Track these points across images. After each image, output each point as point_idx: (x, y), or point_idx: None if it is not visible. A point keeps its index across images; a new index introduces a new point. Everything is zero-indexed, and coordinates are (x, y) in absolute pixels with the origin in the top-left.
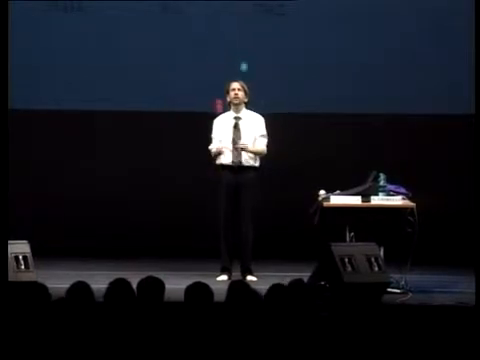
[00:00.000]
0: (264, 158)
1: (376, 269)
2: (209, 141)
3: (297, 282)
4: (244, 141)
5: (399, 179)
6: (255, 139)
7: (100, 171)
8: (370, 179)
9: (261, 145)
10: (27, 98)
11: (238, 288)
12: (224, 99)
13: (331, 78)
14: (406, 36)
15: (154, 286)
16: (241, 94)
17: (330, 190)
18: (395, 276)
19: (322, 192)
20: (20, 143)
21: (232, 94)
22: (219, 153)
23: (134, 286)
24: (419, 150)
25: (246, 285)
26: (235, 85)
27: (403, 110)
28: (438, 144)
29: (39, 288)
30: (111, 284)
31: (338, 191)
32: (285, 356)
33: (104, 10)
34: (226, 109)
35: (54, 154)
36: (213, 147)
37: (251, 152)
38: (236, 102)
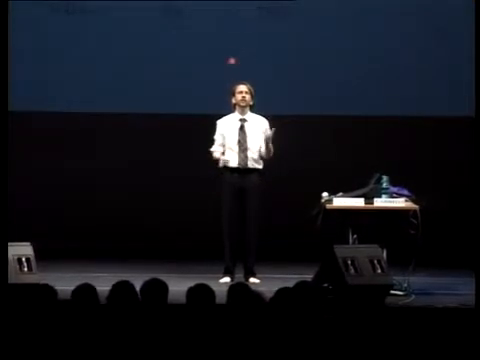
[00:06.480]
0: (266, 160)
1: (379, 271)
2: (211, 142)
3: (302, 284)
4: (251, 143)
5: (402, 181)
6: (263, 141)
7: (101, 172)
8: (373, 181)
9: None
10: (27, 99)
11: (238, 291)
12: (229, 101)
13: (331, 79)
14: (406, 37)
15: (157, 288)
16: (248, 97)
17: (333, 192)
18: (398, 278)
19: (325, 194)
20: (21, 144)
21: (239, 97)
22: (224, 164)
23: (137, 288)
24: (421, 152)
25: (246, 287)
26: (243, 88)
27: (404, 112)
28: (439, 145)
29: (47, 290)
30: (114, 286)
31: (341, 193)
32: (287, 358)
33: (106, 12)
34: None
35: (55, 155)
36: (216, 150)
37: (267, 148)
38: (243, 104)
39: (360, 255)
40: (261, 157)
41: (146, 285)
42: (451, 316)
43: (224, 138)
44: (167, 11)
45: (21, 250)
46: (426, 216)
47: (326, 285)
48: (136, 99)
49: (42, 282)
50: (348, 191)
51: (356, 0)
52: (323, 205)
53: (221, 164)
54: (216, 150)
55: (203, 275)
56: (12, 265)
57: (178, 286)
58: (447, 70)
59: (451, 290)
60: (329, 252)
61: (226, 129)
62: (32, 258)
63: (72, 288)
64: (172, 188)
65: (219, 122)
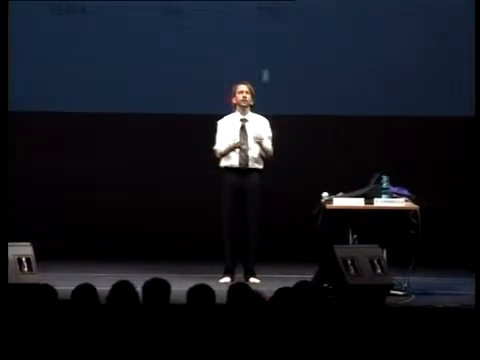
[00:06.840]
0: (267, 160)
1: (379, 271)
2: (211, 142)
3: (302, 284)
4: (252, 143)
5: (402, 181)
6: (263, 140)
7: (101, 172)
8: (373, 181)
9: (269, 145)
10: (27, 99)
11: (238, 291)
12: (230, 100)
13: (331, 79)
14: (406, 37)
15: (159, 288)
16: (249, 97)
17: (333, 192)
18: (398, 278)
19: (325, 194)
20: (21, 144)
21: (240, 97)
22: (236, 147)
23: (137, 288)
24: (421, 152)
25: (246, 287)
26: (244, 88)
27: (404, 112)
28: (439, 145)
29: (47, 290)
30: (114, 286)
31: (341, 193)
32: (288, 358)
33: (106, 12)
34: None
35: (55, 155)
36: (220, 147)
37: (263, 149)
38: (244, 104)
39: (360, 255)
40: (261, 156)
41: (148, 284)
42: (451, 316)
43: (225, 138)
44: (167, 11)
45: (21, 250)
46: (426, 216)
47: (326, 285)
48: (136, 99)
49: (42, 282)
50: (348, 191)
51: (356, 0)
52: (323, 205)
53: (236, 144)
54: (220, 147)
55: (203, 275)
56: (12, 265)
57: (178, 286)
58: (447, 70)
59: (451, 290)
60: (329, 252)
61: (227, 129)
62: (32, 258)
63: (72, 288)
64: (172, 188)
65: (220, 122)
